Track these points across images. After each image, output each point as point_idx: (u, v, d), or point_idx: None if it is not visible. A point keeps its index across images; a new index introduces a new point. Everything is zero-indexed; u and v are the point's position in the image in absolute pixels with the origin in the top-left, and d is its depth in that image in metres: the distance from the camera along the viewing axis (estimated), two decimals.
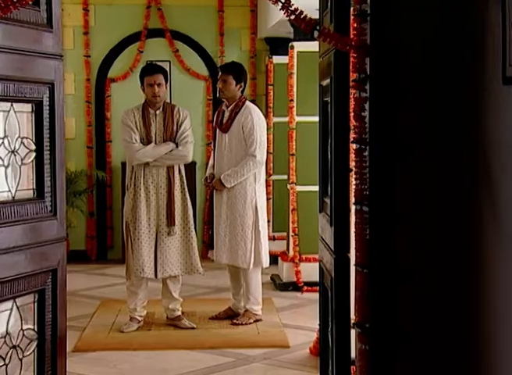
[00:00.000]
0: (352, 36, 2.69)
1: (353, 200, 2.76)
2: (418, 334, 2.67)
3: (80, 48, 8.79)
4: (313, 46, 6.93)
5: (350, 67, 2.77)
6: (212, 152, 6.19)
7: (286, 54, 7.41)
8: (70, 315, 5.50)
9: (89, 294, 7.14)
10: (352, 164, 2.83)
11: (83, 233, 8.91)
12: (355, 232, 2.73)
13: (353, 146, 2.76)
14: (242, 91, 6.01)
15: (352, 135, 2.77)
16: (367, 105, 2.66)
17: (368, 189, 2.68)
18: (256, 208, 5.92)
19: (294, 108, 7.22)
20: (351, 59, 2.71)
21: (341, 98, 2.91)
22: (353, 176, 2.72)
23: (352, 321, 2.87)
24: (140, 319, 5.87)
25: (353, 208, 2.84)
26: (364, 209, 2.69)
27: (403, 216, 2.67)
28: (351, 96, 2.81)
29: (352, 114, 2.74)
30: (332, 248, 2.97)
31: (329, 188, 3.09)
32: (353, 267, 2.77)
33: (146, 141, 5.75)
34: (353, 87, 2.72)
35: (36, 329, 3.02)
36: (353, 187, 2.73)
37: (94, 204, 8.94)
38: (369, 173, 2.68)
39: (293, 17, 2.68)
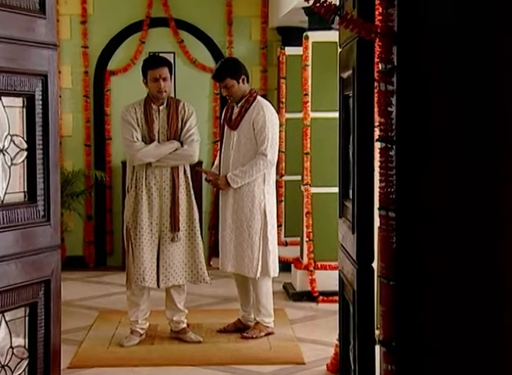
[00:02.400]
0: (377, 22, 2.63)
1: (377, 204, 2.69)
2: (450, 355, 2.59)
3: (78, 38, 8.75)
4: (329, 36, 7.07)
5: (375, 57, 2.71)
6: (219, 152, 6.12)
7: (300, 44, 7.40)
8: (65, 327, 5.51)
9: (86, 305, 7.09)
10: (376, 164, 2.75)
11: (81, 237, 8.89)
12: (380, 240, 2.67)
13: (378, 145, 2.69)
14: (248, 82, 5.93)
15: (377, 133, 2.70)
16: (393, 100, 2.60)
17: (395, 192, 2.61)
18: (264, 212, 5.86)
19: (309, 104, 7.20)
20: (376, 48, 2.65)
21: (365, 91, 2.86)
22: (378, 178, 2.65)
23: (376, 338, 2.79)
24: (141, 332, 5.83)
25: (377, 213, 2.75)
26: (390, 215, 2.63)
27: (434, 222, 2.58)
28: (376, 89, 2.73)
29: (377, 109, 2.67)
30: (355, 257, 2.91)
31: (351, 191, 3.04)
32: (378, 279, 2.71)
33: (148, 139, 5.69)
34: (378, 80, 2.65)
35: (27, 346, 2.97)
36: (378, 190, 2.66)
37: (93, 206, 8.91)
38: (396, 175, 2.61)
39: (311, 2, 2.60)
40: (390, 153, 2.61)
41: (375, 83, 2.75)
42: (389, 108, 2.60)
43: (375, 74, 2.74)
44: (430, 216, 2.59)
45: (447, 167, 2.58)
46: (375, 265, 2.90)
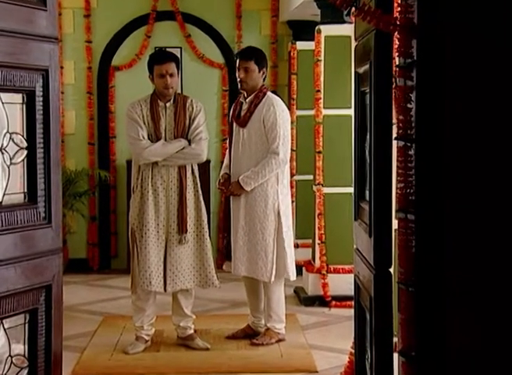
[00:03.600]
0: (396, 14, 2.58)
1: (396, 206, 2.65)
2: (473, 366, 2.53)
3: (81, 32, 8.76)
4: (343, 29, 7.08)
5: (394, 51, 2.67)
6: (227, 150, 6.09)
7: (312, 39, 7.40)
8: (67, 333, 5.53)
9: (90, 310, 7.08)
10: (395, 164, 2.71)
11: (84, 239, 8.91)
12: (399, 244, 2.62)
13: (397, 143, 2.64)
14: (264, 79, 5.92)
15: (395, 131, 2.66)
16: (413, 96, 2.55)
17: (414, 194, 2.56)
18: (278, 212, 5.83)
19: (321, 101, 7.21)
20: (395, 42, 2.60)
21: (383, 87, 2.81)
22: (397, 178, 2.61)
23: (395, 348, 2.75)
24: (147, 338, 5.81)
25: (396, 215, 2.71)
26: (409, 217, 2.58)
27: (457, 225, 2.53)
28: (394, 85, 2.69)
29: (395, 106, 2.63)
30: (372, 262, 2.87)
31: (367, 192, 3.00)
32: (396, 285, 2.65)
33: (154, 137, 5.67)
34: (396, 75, 2.61)
35: (27, 354, 2.92)
36: (397, 191, 2.61)
37: (96, 207, 8.93)
38: (415, 175, 2.56)
39: None
40: (409, 152, 2.57)
41: (394, 79, 2.72)
42: (409, 105, 2.56)
43: (394, 69, 2.70)
44: (452, 219, 2.53)
45: (471, 166, 2.52)
46: (392, 270, 2.85)
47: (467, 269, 2.52)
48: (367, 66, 2.95)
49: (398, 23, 2.53)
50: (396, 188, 2.62)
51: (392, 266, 2.85)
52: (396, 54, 2.59)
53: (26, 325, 2.91)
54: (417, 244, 2.55)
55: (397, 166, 2.61)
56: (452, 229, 2.53)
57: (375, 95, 2.83)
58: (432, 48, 2.50)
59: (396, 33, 2.56)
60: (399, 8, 2.57)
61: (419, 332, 2.54)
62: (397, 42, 2.56)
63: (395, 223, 2.75)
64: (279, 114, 5.82)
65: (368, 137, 3.01)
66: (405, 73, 2.55)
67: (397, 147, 2.63)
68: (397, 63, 2.61)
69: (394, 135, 2.69)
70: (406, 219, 2.58)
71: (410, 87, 2.55)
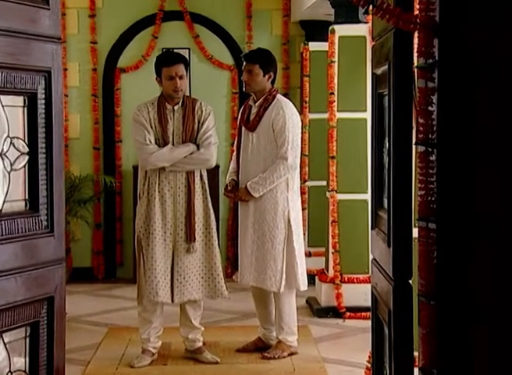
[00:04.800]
0: (416, 11, 2.54)
1: (416, 215, 2.60)
2: None
3: (86, 33, 8.80)
4: (357, 29, 7.07)
5: (414, 51, 2.61)
6: (235, 154, 6.08)
7: (325, 39, 7.42)
8: (71, 346, 5.51)
9: (94, 321, 7.07)
10: (415, 171, 2.67)
11: (89, 247, 8.93)
12: (419, 254, 2.57)
13: (417, 148, 2.60)
14: (272, 83, 5.90)
15: (416, 135, 2.61)
16: (435, 98, 2.50)
17: (436, 201, 2.52)
18: (289, 220, 5.81)
19: (335, 103, 7.21)
20: (415, 41, 2.56)
21: (402, 89, 2.77)
22: (418, 185, 2.57)
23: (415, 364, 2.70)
24: (154, 351, 5.79)
25: (416, 224, 2.68)
26: (430, 226, 2.53)
27: (482, 234, 2.49)
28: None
29: (416, 109, 2.58)
30: (390, 273, 2.84)
31: (386, 200, 2.97)
32: (417, 298, 2.59)
33: (162, 141, 5.66)
34: (417, 76, 2.56)
35: (27, 370, 2.90)
36: (417, 198, 2.57)
37: (102, 214, 8.95)
38: (437, 182, 2.52)
39: None
40: (431, 158, 2.52)
41: (415, 80, 2.67)
42: (430, 108, 2.51)
43: (414, 70, 2.65)
44: (476, 228, 2.49)
45: (496, 173, 2.48)
46: (412, 282, 2.81)
47: (493, 280, 2.47)
48: (385, 67, 2.92)
49: (418, 21, 2.49)
50: (417, 196, 2.58)
51: (413, 278, 2.80)
52: (417, 54, 2.55)
53: (27, 339, 2.89)
54: (439, 254, 2.51)
55: (418, 173, 2.57)
56: (476, 238, 2.49)
57: (394, 97, 2.80)
58: (455, 48, 2.46)
59: (416, 32, 2.52)
60: (419, 6, 2.53)
61: (441, 348, 2.49)
62: (418, 42, 2.52)
63: (414, 232, 2.70)
64: (288, 118, 5.80)
65: (386, 141, 2.98)
66: (426, 74, 2.51)
67: (417, 152, 2.59)
68: (418, 64, 2.56)
69: (414, 140, 2.65)
70: (427, 228, 2.53)
71: (432, 89, 2.50)
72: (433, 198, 2.52)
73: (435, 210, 2.51)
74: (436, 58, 2.49)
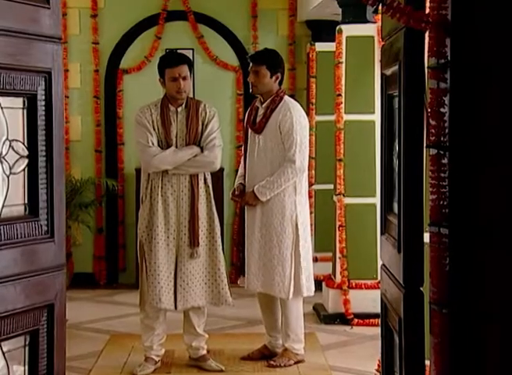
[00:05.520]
0: (428, 10, 2.51)
1: (428, 220, 2.58)
2: None
3: (88, 33, 8.81)
4: (365, 29, 7.07)
5: (426, 50, 2.61)
6: (243, 158, 6.06)
7: (332, 40, 7.42)
8: (72, 353, 5.50)
9: (96, 328, 7.07)
10: (426, 174, 2.65)
11: (90, 252, 8.92)
12: (431, 260, 2.55)
13: (429, 151, 2.59)
14: (280, 84, 5.89)
15: (426, 137, 2.61)
16: (447, 99, 2.49)
17: (448, 206, 2.51)
18: (296, 224, 5.80)
19: (342, 105, 7.21)
20: (427, 40, 2.54)
21: (413, 90, 2.75)
22: (429, 189, 2.55)
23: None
24: (157, 359, 5.78)
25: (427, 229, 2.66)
26: (442, 232, 2.52)
27: (496, 240, 2.47)
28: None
29: (427, 110, 2.56)
30: (401, 280, 2.82)
31: (396, 204, 2.95)
32: (428, 305, 2.58)
33: (165, 143, 5.65)
34: (429, 76, 2.55)
35: None
36: (429, 203, 2.55)
37: (104, 218, 8.95)
38: (449, 186, 2.51)
39: None
40: (443, 161, 2.51)
41: (426, 81, 2.65)
42: (442, 109, 2.50)
43: (426, 70, 2.63)
44: (490, 233, 2.48)
45: (510, 176, 2.45)
46: (424, 289, 2.79)
47: (509, 288, 2.45)
48: (395, 68, 2.90)
49: (430, 19, 2.48)
50: (429, 200, 2.56)
51: (424, 285, 2.78)
52: (428, 54, 2.54)
53: (27, 347, 2.87)
54: (452, 260, 2.50)
55: (429, 176, 2.56)
56: (490, 244, 2.47)
57: (405, 99, 2.79)
58: (468, 47, 2.45)
59: (427, 31, 2.50)
60: (431, 4, 2.51)
61: (454, 358, 2.47)
62: (429, 41, 2.51)
63: (426, 238, 2.69)
64: (295, 120, 5.79)
65: (396, 144, 2.97)
66: (438, 74, 2.49)
67: (429, 155, 2.58)
68: (429, 64, 2.55)
69: (426, 142, 2.64)
70: (439, 233, 2.52)
71: (444, 90, 2.49)
72: (445, 203, 2.51)
73: (448, 215, 2.50)
74: (448, 58, 2.48)
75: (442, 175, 2.51)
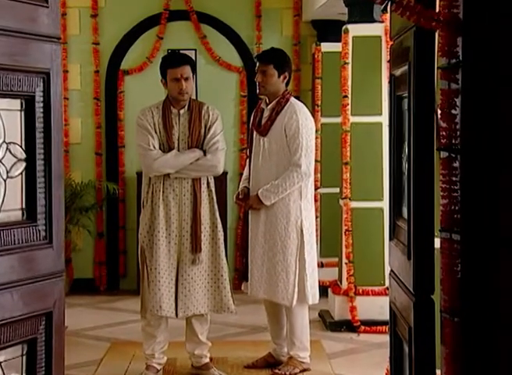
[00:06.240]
0: (439, 8, 2.50)
1: (438, 225, 2.59)
2: None
3: (88, 33, 8.82)
4: (372, 29, 7.07)
5: (436, 50, 2.61)
6: (247, 161, 6.04)
7: (338, 40, 7.42)
8: (71, 362, 5.48)
9: (96, 335, 7.07)
10: (437, 178, 2.64)
11: (90, 258, 8.93)
12: (442, 267, 2.55)
13: (440, 154, 2.58)
14: (287, 84, 5.88)
15: (437, 140, 2.60)
16: (458, 101, 2.48)
17: (460, 211, 2.49)
18: (301, 230, 5.78)
19: (348, 107, 7.21)
20: (438, 40, 2.54)
21: (423, 91, 2.73)
22: (440, 193, 2.55)
23: None
24: (158, 367, 5.76)
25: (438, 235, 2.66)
26: (454, 238, 2.51)
27: (509, 246, 2.44)
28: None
29: (438, 112, 2.56)
30: (411, 287, 2.80)
31: (405, 209, 2.94)
32: (440, 314, 2.59)
33: (167, 147, 5.64)
34: (439, 77, 2.54)
35: None
36: (440, 208, 2.55)
37: (104, 223, 8.96)
38: (461, 190, 2.49)
39: None
40: (454, 164, 2.51)
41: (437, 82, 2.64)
42: (453, 111, 2.50)
43: (437, 71, 2.63)
44: (503, 240, 2.46)
45: None
46: (435, 297, 2.77)
47: None
48: (405, 68, 2.89)
49: (441, 18, 2.47)
50: (440, 205, 2.55)
51: (435, 293, 2.77)
52: (439, 54, 2.53)
53: (24, 357, 2.85)
54: (464, 267, 2.48)
55: (440, 180, 2.56)
56: (504, 250, 2.45)
57: (415, 100, 2.77)
58: (481, 47, 2.44)
59: (438, 30, 2.50)
60: (442, 3, 2.51)
61: (466, 369, 2.46)
62: (440, 40, 2.51)
63: (436, 244, 2.68)
64: (301, 122, 5.77)
65: (405, 147, 2.96)
66: (449, 74, 2.49)
67: (440, 158, 2.57)
68: (440, 64, 2.55)
69: (436, 145, 2.64)
70: (450, 239, 2.52)
71: (455, 91, 2.48)
72: (457, 208, 2.50)
73: (459, 220, 2.50)
74: (460, 57, 2.47)
75: (454, 179, 2.51)
